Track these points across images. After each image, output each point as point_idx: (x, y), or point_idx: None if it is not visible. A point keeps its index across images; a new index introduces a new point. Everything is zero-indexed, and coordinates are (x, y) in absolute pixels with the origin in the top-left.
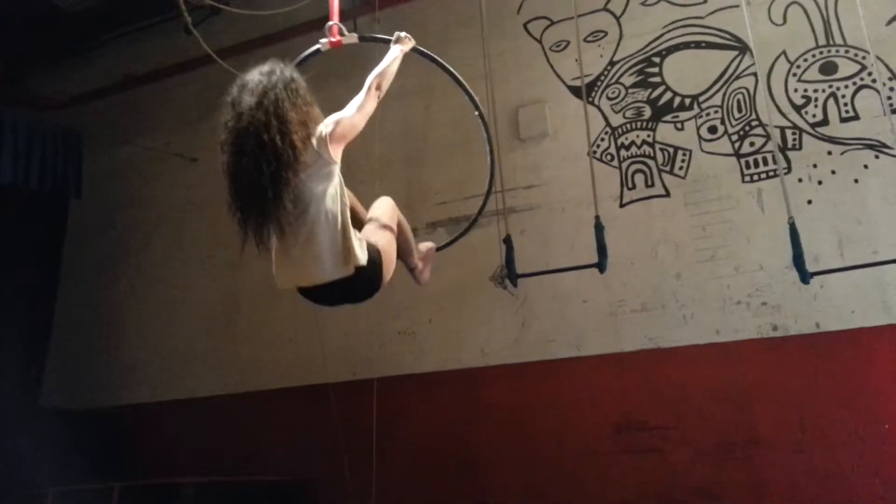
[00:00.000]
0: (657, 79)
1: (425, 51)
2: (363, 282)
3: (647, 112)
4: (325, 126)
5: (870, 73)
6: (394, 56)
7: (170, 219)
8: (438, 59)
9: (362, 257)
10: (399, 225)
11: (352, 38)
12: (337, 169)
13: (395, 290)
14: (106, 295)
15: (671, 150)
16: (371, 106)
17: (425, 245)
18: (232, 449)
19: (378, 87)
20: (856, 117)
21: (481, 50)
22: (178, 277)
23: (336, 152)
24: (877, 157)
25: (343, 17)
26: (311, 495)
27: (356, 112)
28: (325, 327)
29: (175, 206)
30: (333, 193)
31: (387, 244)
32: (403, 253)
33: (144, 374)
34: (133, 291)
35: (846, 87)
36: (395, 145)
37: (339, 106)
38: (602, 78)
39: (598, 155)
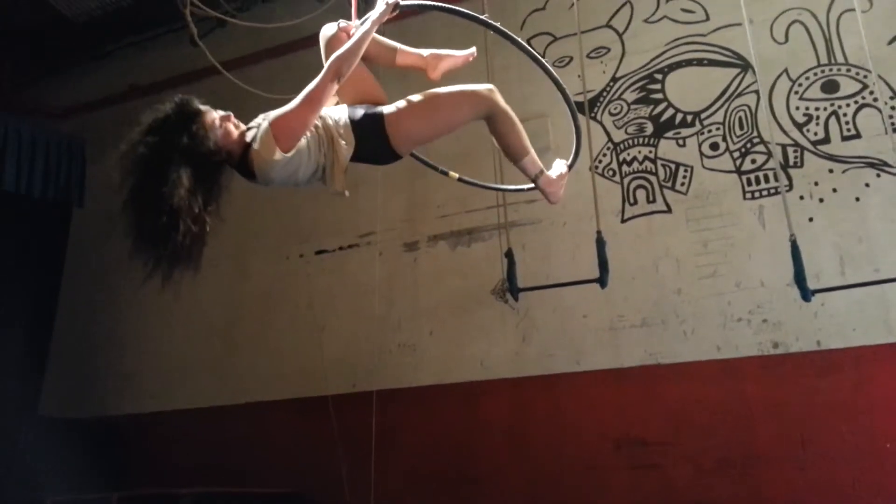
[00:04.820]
0: (659, 95)
1: (414, 2)
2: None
3: (649, 128)
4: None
5: (871, 92)
6: (361, 31)
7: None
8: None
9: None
10: (491, 115)
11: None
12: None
13: (395, 303)
14: (107, 303)
15: (673, 165)
16: (325, 95)
17: (557, 169)
18: (231, 459)
19: (337, 73)
20: (857, 136)
21: (485, 64)
22: (179, 287)
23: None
24: (878, 175)
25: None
26: None
27: (299, 106)
28: (326, 339)
29: None
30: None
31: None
32: (512, 153)
33: (144, 383)
34: (134, 301)
35: (848, 105)
36: None
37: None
38: (604, 94)
39: (599, 170)
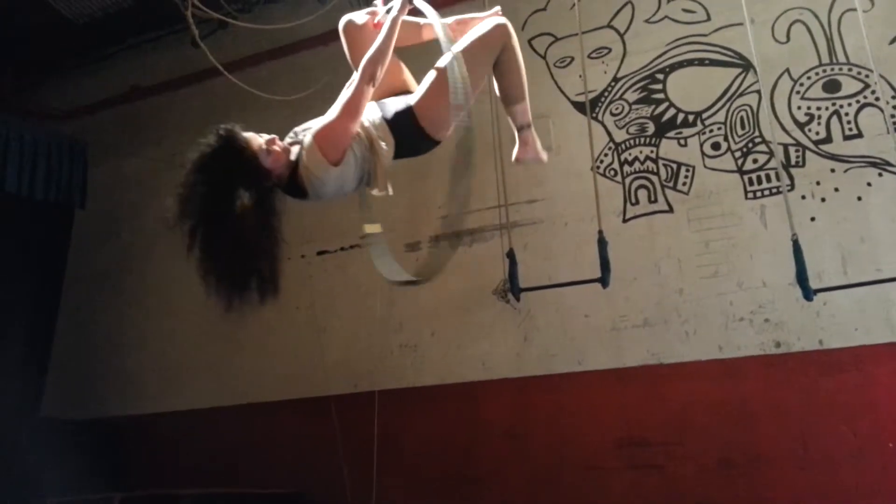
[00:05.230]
0: (661, 95)
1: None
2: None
3: (651, 128)
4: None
5: (873, 92)
6: (385, 30)
7: (173, 230)
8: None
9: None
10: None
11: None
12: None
13: (396, 304)
14: (108, 305)
15: (674, 165)
16: (364, 100)
17: (541, 149)
18: (232, 460)
19: (372, 77)
20: (859, 135)
21: None
22: (181, 288)
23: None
24: (880, 174)
25: None
26: None
27: (339, 116)
28: (327, 339)
29: None
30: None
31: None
32: (510, 95)
33: (146, 384)
34: (135, 302)
35: (849, 104)
36: None
37: None
38: (606, 94)
39: (601, 170)
